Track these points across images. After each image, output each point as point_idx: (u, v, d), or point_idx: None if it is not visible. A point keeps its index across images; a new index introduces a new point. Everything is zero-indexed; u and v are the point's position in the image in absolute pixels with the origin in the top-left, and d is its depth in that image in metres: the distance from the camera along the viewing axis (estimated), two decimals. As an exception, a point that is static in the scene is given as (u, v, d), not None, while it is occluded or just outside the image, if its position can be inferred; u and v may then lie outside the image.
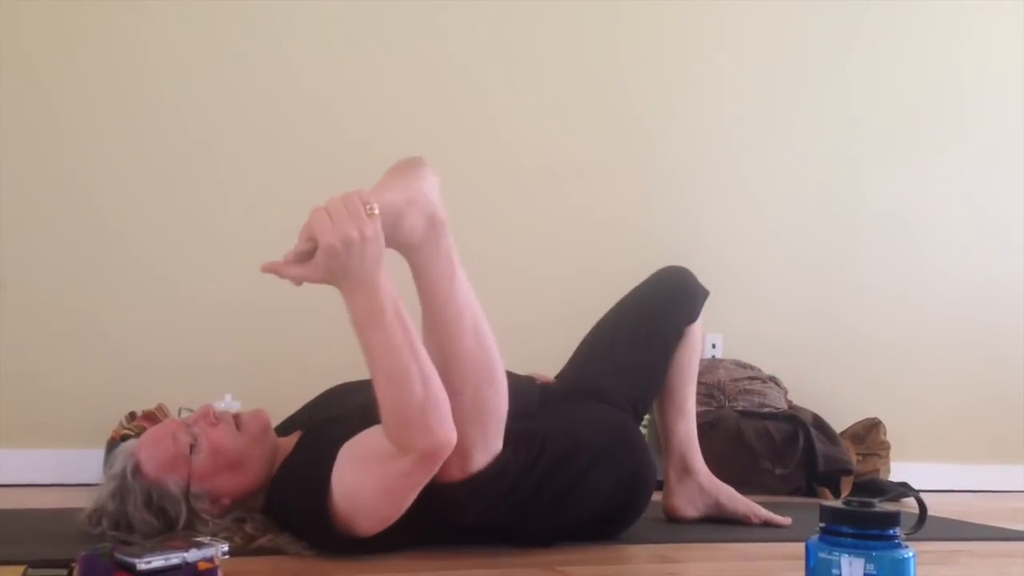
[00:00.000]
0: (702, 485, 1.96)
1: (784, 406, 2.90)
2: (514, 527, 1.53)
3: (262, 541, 1.44)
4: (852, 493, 2.26)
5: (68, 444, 2.43)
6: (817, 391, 3.06)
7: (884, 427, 3.01)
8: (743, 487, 2.07)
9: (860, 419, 3.04)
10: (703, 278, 1.97)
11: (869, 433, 3.01)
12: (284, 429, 1.69)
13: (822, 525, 1.04)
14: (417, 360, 1.29)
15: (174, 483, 1.44)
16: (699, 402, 2.03)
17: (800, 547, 1.07)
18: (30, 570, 1.15)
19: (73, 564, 1.11)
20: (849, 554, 0.99)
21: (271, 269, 1.28)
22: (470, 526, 1.49)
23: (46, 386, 2.46)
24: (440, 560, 1.46)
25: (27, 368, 2.45)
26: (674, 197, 3.08)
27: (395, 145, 2.77)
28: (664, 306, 1.86)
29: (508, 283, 2.79)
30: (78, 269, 2.52)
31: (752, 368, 2.97)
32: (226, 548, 1.16)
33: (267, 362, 2.59)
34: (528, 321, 2.71)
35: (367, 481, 1.36)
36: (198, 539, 1.19)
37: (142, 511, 1.43)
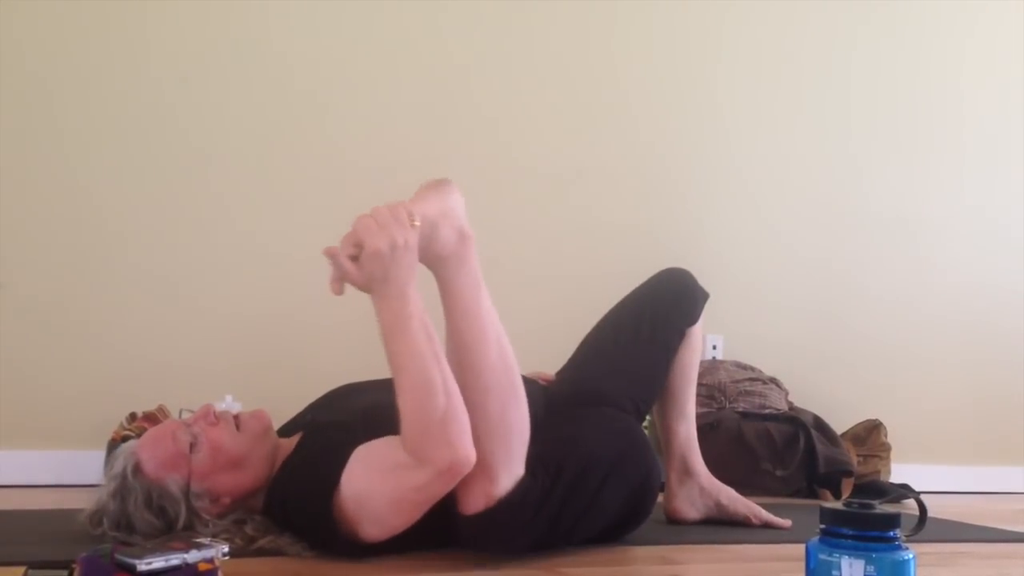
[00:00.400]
0: (703, 487, 1.96)
1: (785, 407, 2.90)
2: (534, 549, 1.52)
3: (262, 542, 1.44)
4: (853, 495, 2.25)
5: (69, 445, 2.44)
6: (818, 392, 3.06)
7: (885, 428, 3.00)
8: (744, 488, 2.07)
9: (861, 420, 3.04)
10: (704, 279, 1.97)
11: (870, 434, 3.01)
12: (286, 431, 1.69)
13: (822, 527, 1.04)
14: (441, 371, 1.32)
15: (174, 482, 1.45)
16: (700, 403, 2.03)
17: (800, 548, 1.07)
18: (31, 571, 1.16)
19: (74, 565, 1.11)
20: (849, 556, 0.99)
21: (331, 253, 1.31)
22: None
23: (47, 387, 2.46)
24: (441, 561, 1.46)
25: (28, 369, 2.45)
26: (674, 198, 3.08)
27: (395, 148, 2.81)
28: (666, 308, 1.86)
29: (507, 284, 2.76)
30: (79, 270, 2.52)
31: (753, 369, 2.97)
32: (226, 549, 1.16)
33: (268, 363, 2.59)
34: (527, 322, 2.69)
35: (379, 489, 1.37)
36: (198, 540, 1.19)
37: (143, 510, 1.43)
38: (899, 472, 2.94)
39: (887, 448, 2.97)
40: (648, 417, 2.02)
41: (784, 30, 3.22)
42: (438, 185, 1.40)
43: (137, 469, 1.46)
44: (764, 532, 1.93)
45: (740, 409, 2.82)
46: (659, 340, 1.84)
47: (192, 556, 1.11)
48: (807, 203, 3.22)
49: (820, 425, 2.87)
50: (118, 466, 1.47)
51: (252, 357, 2.59)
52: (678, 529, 1.90)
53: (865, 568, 0.98)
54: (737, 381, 2.87)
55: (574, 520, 1.53)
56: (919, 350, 3.27)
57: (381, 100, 2.80)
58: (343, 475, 1.38)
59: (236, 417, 1.53)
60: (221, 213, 2.65)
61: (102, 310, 2.53)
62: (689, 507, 1.96)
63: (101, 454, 2.31)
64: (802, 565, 1.05)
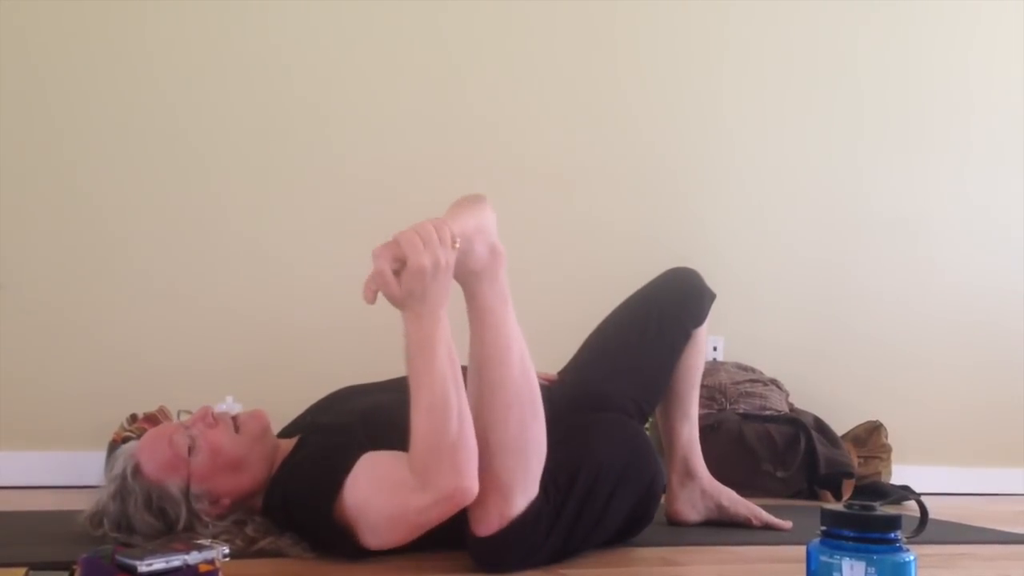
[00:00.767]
0: (704, 489, 1.96)
1: (785, 409, 2.89)
2: (546, 564, 1.52)
3: (263, 543, 1.44)
4: (853, 496, 2.25)
5: (69, 446, 2.44)
6: (818, 394, 3.06)
7: (885, 430, 3.00)
8: (744, 490, 2.07)
9: (861, 422, 3.04)
10: (704, 280, 1.96)
11: (871, 436, 3.00)
12: (287, 433, 1.69)
13: (823, 528, 1.04)
14: (459, 398, 1.31)
15: (174, 485, 1.45)
16: (700, 405, 2.02)
17: (801, 550, 1.08)
18: (31, 572, 1.16)
19: (74, 566, 1.12)
20: (850, 557, 0.99)
21: (378, 256, 1.27)
22: None
23: (47, 388, 2.46)
24: (441, 561, 1.46)
25: (28, 370, 2.45)
26: (676, 200, 3.08)
27: (395, 150, 2.81)
28: (673, 307, 1.85)
29: (511, 285, 2.78)
30: (79, 271, 2.53)
31: (753, 371, 2.97)
32: (227, 550, 1.16)
33: (268, 365, 2.59)
34: (528, 322, 2.70)
35: (379, 504, 1.36)
36: (199, 541, 1.20)
37: (143, 512, 1.43)
38: (900, 474, 2.94)
39: (888, 449, 2.97)
40: (650, 418, 2.01)
41: (785, 31, 3.22)
42: (472, 202, 1.40)
43: (137, 471, 1.46)
44: (765, 534, 1.93)
45: (741, 410, 2.82)
46: (666, 340, 1.83)
47: (193, 557, 1.11)
48: (808, 204, 3.22)
49: (821, 426, 2.87)
50: (118, 468, 1.48)
51: (253, 358, 2.59)
52: (679, 531, 1.90)
53: (866, 570, 0.98)
54: (738, 382, 2.87)
55: (585, 533, 1.53)
56: (920, 351, 3.27)
57: (381, 102, 2.80)
58: (347, 480, 1.38)
59: (235, 418, 1.53)
60: (221, 214, 2.65)
61: (103, 311, 2.53)
62: (690, 509, 1.96)
63: (102, 455, 2.31)
64: (803, 567, 1.05)
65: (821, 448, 2.76)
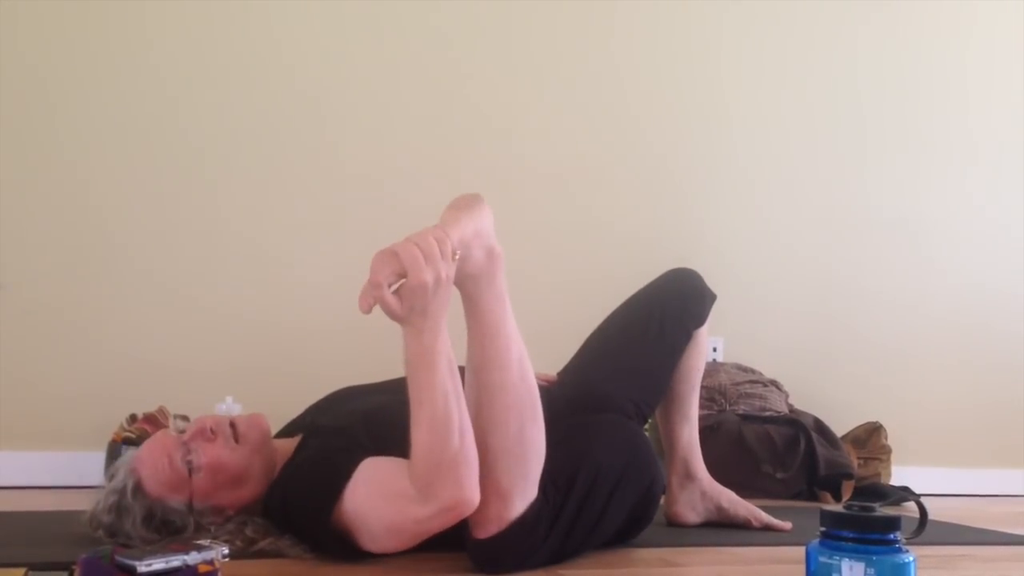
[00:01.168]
0: (704, 490, 1.96)
1: (785, 410, 2.89)
2: (545, 566, 1.52)
3: (263, 544, 1.44)
4: (853, 497, 2.25)
5: (69, 446, 2.44)
6: (818, 395, 3.06)
7: (885, 431, 3.00)
8: (744, 491, 2.07)
9: (861, 423, 3.04)
10: (705, 281, 1.96)
11: (870, 437, 3.00)
12: (287, 433, 1.69)
13: (823, 529, 1.04)
14: (460, 411, 1.30)
15: (177, 501, 1.45)
16: (700, 406, 2.02)
17: (801, 551, 1.07)
18: (31, 572, 1.16)
19: (74, 566, 1.12)
20: (850, 558, 0.99)
21: (375, 283, 1.23)
22: None
23: (47, 388, 2.47)
24: (441, 562, 1.45)
25: (28, 370, 2.46)
26: (675, 200, 3.08)
27: (396, 150, 2.81)
28: (674, 308, 1.84)
29: (509, 286, 2.78)
30: (79, 272, 2.53)
31: (753, 372, 2.97)
32: (226, 551, 1.16)
33: (268, 365, 2.59)
34: (528, 323, 2.70)
35: (379, 512, 1.36)
36: (198, 542, 1.20)
37: (140, 528, 1.43)
38: (899, 475, 2.95)
39: (887, 450, 2.97)
40: (649, 419, 2.01)
41: (785, 31, 3.23)
42: (470, 203, 1.37)
43: (138, 488, 1.45)
44: (765, 535, 1.92)
45: (740, 411, 2.82)
46: (667, 340, 1.83)
47: (192, 558, 1.11)
48: (808, 205, 3.22)
49: (820, 427, 2.87)
50: (118, 480, 1.47)
51: (252, 359, 2.59)
52: (679, 531, 1.90)
53: (865, 571, 0.98)
54: (737, 383, 2.87)
55: (584, 534, 1.53)
56: (920, 352, 3.27)
57: (382, 102, 2.80)
58: (347, 486, 1.38)
59: (233, 425, 1.51)
60: (221, 214, 2.65)
61: (103, 311, 2.53)
62: (690, 511, 1.96)
63: (101, 455, 2.31)
64: (803, 568, 1.05)
65: (821, 449, 2.75)
